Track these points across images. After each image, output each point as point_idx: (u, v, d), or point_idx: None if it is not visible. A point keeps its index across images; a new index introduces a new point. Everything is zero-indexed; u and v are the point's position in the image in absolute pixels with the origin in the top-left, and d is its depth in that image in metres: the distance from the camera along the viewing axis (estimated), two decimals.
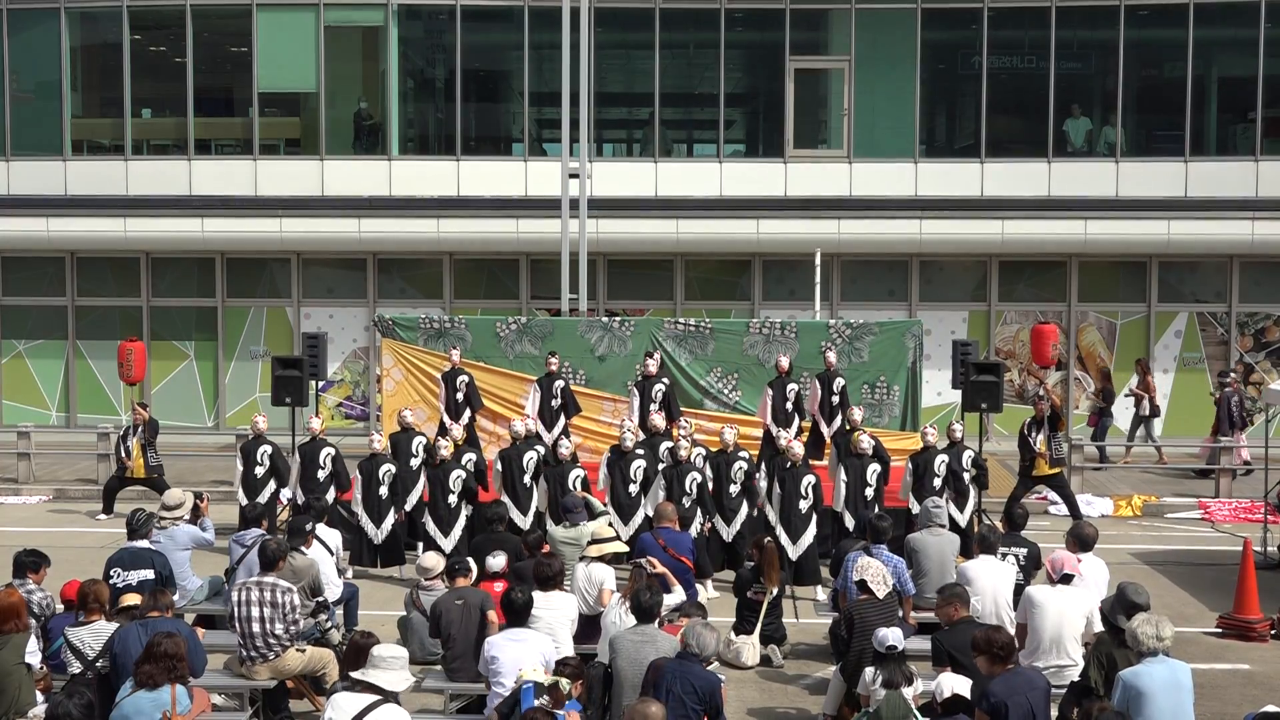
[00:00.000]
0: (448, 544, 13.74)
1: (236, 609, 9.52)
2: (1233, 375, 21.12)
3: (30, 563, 9.90)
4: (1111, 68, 22.76)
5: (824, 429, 16.73)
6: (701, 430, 16.06)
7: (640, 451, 14.45)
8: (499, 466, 14.55)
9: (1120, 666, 8.06)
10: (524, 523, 14.13)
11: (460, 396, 17.26)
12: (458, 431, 15.70)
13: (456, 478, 14.00)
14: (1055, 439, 16.44)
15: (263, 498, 14.82)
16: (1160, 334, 22.96)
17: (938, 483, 14.15)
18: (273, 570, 9.80)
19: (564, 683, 8.09)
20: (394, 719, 6.88)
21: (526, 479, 14.40)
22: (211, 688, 9.36)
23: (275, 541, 10.08)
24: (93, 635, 8.78)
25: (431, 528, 14.00)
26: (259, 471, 15.03)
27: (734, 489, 14.02)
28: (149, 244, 23.20)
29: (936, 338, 22.22)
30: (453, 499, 13.94)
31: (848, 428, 15.60)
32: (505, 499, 14.15)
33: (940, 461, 14.25)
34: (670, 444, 14.69)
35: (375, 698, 6.87)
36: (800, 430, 16.62)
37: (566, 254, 20.00)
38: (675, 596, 10.64)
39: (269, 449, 15.11)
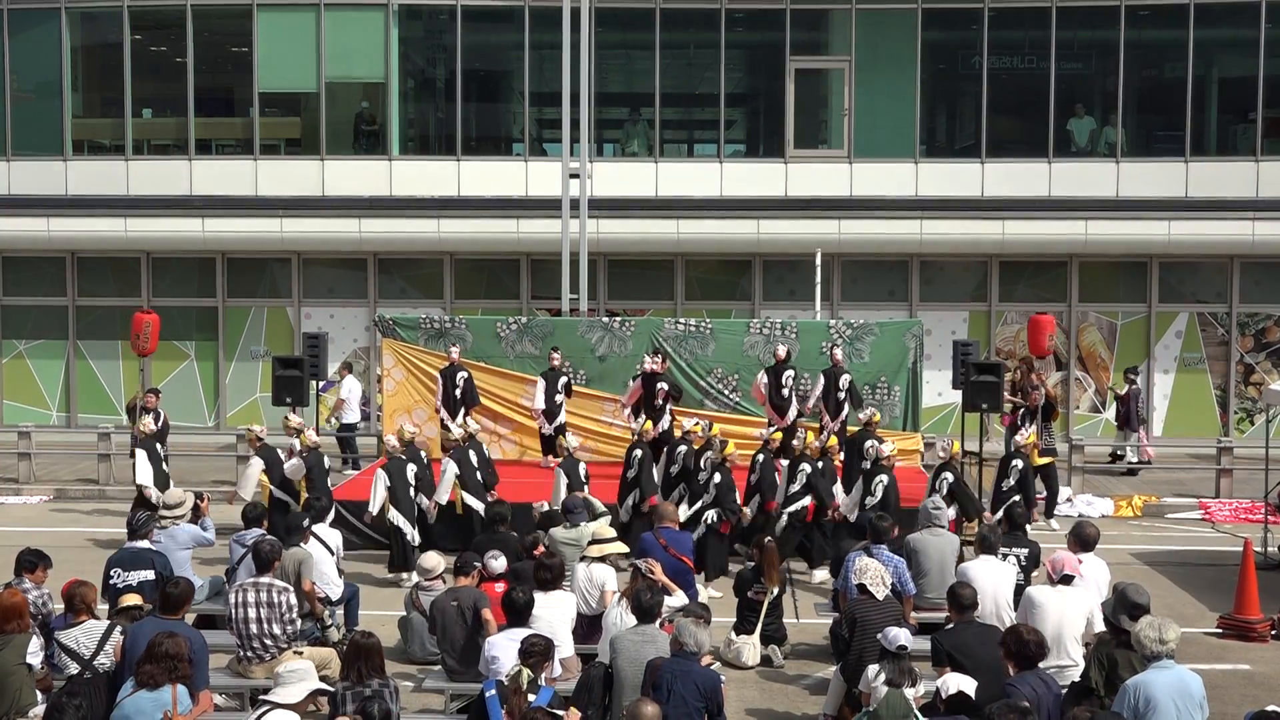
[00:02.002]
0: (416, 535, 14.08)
1: (234, 610, 9.59)
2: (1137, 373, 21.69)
3: (28, 562, 9.90)
4: (1112, 68, 22.74)
5: (829, 424, 16.79)
6: None
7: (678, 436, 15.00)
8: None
9: (1121, 667, 8.01)
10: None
11: (458, 393, 17.37)
12: (458, 431, 15.74)
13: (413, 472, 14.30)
14: (1047, 429, 16.42)
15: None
16: (1161, 334, 22.95)
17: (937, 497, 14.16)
18: (268, 571, 9.84)
19: (525, 673, 8.05)
20: None
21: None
22: (212, 688, 9.34)
23: (269, 542, 10.09)
24: (85, 634, 8.77)
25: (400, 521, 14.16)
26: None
27: (702, 476, 14.06)
28: (149, 244, 23.20)
29: (937, 338, 22.22)
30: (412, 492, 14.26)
31: (854, 428, 15.69)
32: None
33: (943, 480, 14.15)
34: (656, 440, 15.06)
35: (272, 704, 7.40)
36: (800, 415, 16.78)
37: (567, 254, 20.00)
38: (678, 598, 10.63)
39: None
